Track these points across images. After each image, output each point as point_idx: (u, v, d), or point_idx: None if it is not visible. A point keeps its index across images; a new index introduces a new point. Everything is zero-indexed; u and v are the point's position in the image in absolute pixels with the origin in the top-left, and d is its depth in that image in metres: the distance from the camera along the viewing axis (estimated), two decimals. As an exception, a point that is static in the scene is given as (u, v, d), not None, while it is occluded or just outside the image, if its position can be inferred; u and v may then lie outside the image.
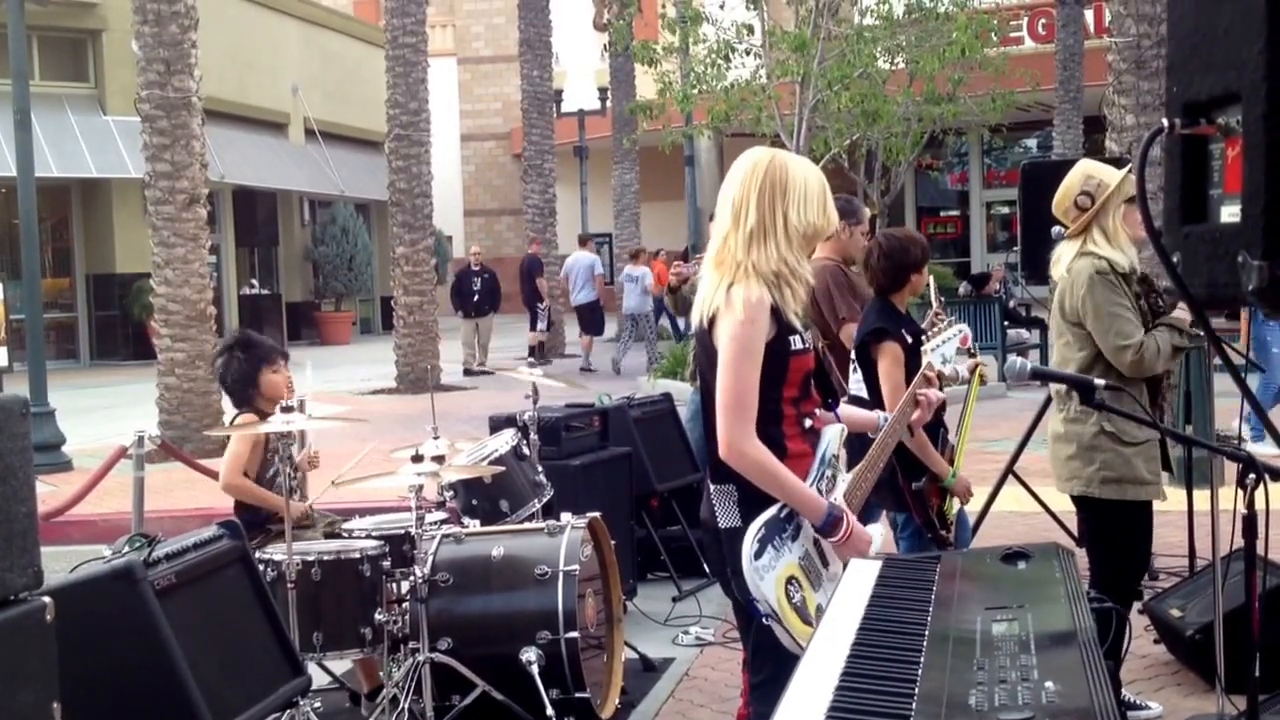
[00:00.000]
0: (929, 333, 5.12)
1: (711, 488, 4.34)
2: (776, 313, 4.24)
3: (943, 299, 6.88)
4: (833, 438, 4.46)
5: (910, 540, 6.82)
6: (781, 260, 4.25)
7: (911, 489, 6.52)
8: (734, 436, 4.17)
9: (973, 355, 7.13)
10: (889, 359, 6.37)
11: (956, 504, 6.73)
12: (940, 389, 5.82)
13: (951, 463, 6.63)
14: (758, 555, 4.09)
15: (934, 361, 4.92)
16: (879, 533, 4.48)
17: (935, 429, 6.64)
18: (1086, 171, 5.93)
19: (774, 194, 4.27)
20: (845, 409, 4.80)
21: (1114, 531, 5.91)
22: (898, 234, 6.82)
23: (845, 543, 4.30)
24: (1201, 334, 5.41)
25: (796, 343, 4.31)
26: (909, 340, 6.47)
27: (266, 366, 7.10)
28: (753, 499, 4.23)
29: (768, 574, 4.09)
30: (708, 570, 8.64)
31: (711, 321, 4.28)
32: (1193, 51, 2.20)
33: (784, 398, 4.30)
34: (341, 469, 7.33)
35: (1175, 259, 2.26)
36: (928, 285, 6.99)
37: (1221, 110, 2.15)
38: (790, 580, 4.16)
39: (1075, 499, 6.11)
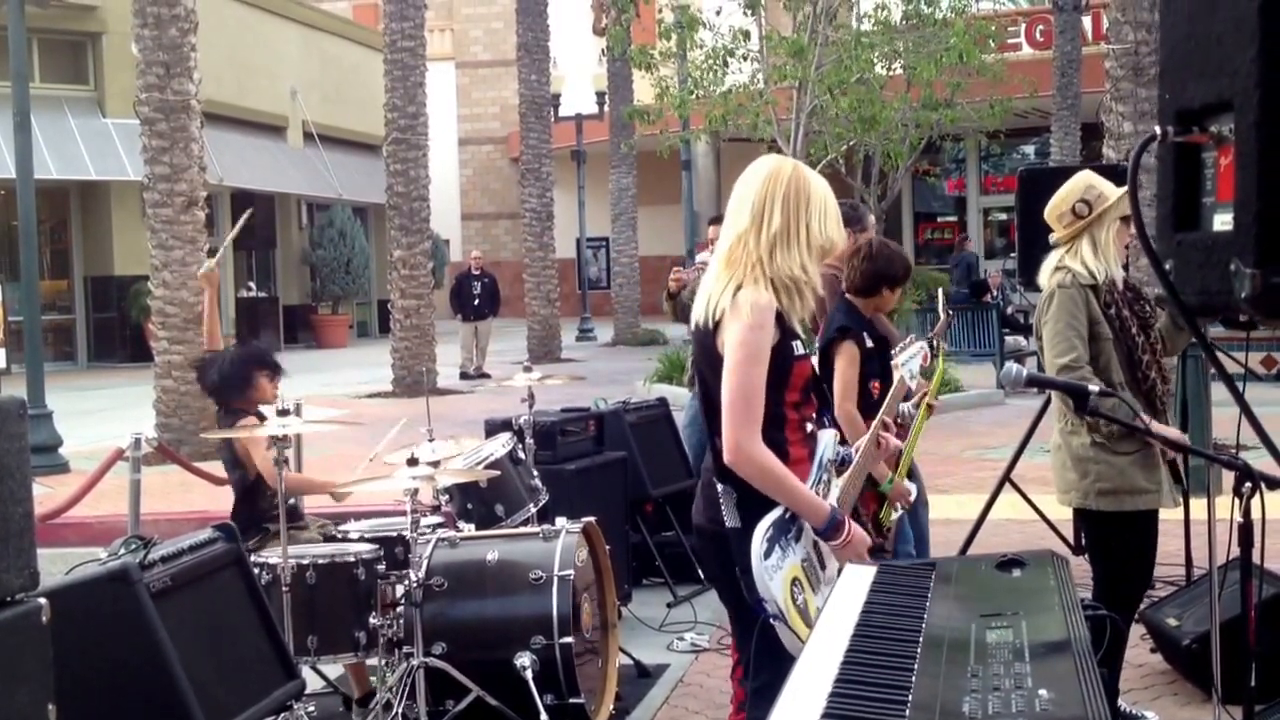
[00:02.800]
0: (898, 347, 5.14)
1: (719, 487, 4.35)
2: (780, 318, 4.27)
3: (950, 311, 6.88)
4: (828, 443, 4.48)
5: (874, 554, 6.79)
6: (803, 268, 4.29)
7: None
8: (740, 440, 4.19)
9: (935, 351, 7.05)
10: (845, 358, 6.41)
11: (895, 513, 6.71)
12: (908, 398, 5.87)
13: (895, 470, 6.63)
14: (767, 555, 4.11)
15: (904, 377, 4.93)
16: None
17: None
18: (1089, 181, 5.93)
19: (799, 202, 4.30)
20: None
21: (1113, 542, 5.90)
22: (889, 245, 6.87)
23: (845, 545, 4.32)
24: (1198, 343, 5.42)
25: (798, 348, 4.36)
26: (869, 344, 6.49)
27: (259, 371, 7.15)
28: (751, 501, 4.25)
29: (776, 574, 4.12)
30: (702, 575, 8.66)
31: (716, 324, 4.29)
32: (1185, 58, 2.20)
33: (786, 402, 4.33)
34: (352, 471, 7.34)
35: (1168, 266, 2.26)
36: (938, 295, 7.00)
37: (1214, 118, 2.15)
38: (794, 582, 4.18)
39: (1075, 509, 6.12)
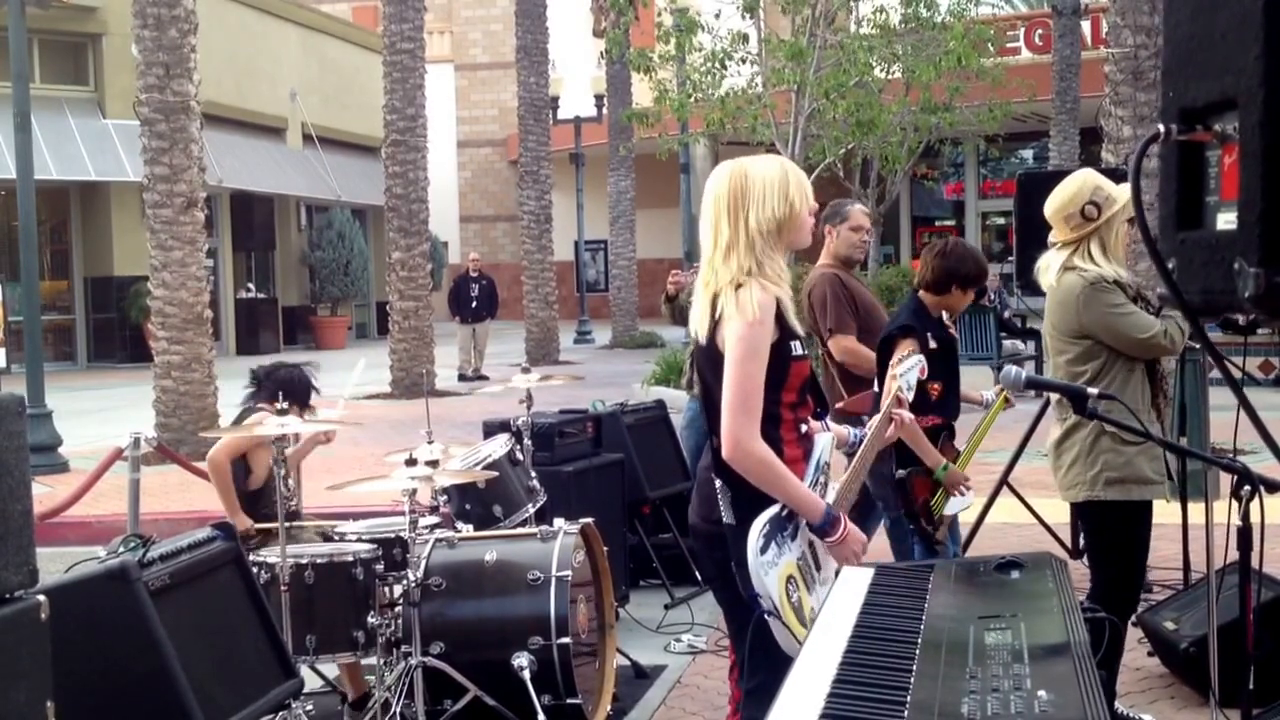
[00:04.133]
0: (897, 358, 5.15)
1: (717, 484, 4.37)
2: (780, 317, 4.28)
3: (955, 320, 6.89)
4: (825, 445, 4.49)
5: (926, 542, 6.82)
6: (751, 270, 4.28)
7: (895, 477, 6.53)
8: (740, 435, 4.20)
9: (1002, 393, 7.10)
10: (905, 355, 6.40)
11: (951, 504, 6.72)
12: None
13: (955, 461, 6.66)
14: (763, 550, 4.13)
15: (901, 387, 4.94)
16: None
17: (939, 429, 6.64)
18: (1095, 182, 5.87)
19: (736, 206, 4.31)
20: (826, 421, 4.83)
21: (1118, 536, 5.89)
22: (964, 245, 6.95)
23: (841, 543, 4.33)
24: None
25: (796, 348, 4.36)
26: (932, 345, 6.50)
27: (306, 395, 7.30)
28: (748, 499, 4.26)
29: (771, 570, 4.14)
30: (698, 576, 8.66)
31: (716, 325, 4.30)
32: (1188, 57, 2.20)
33: (783, 401, 4.34)
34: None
35: (1170, 265, 2.26)
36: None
37: (1218, 116, 2.15)
38: (789, 579, 4.19)
39: (1079, 507, 6.09)
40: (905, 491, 6.59)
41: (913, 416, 5.04)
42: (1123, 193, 5.82)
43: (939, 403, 6.66)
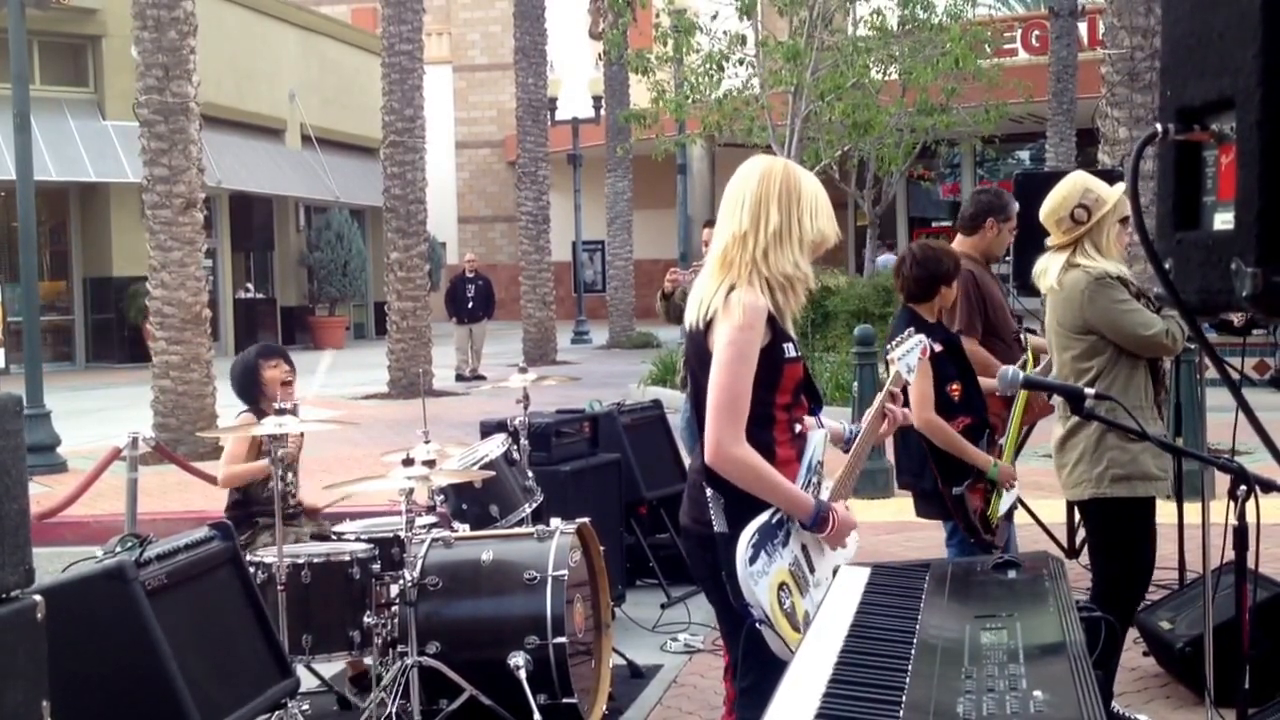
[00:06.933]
0: (895, 341, 5.14)
1: (708, 491, 4.35)
2: (772, 320, 4.26)
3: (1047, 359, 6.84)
4: (818, 443, 4.47)
5: (959, 547, 6.81)
6: (795, 264, 4.30)
7: (952, 494, 6.51)
8: (723, 439, 4.19)
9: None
10: (917, 370, 6.40)
11: (1005, 501, 6.71)
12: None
13: (1001, 458, 6.66)
14: (752, 561, 4.11)
15: (900, 371, 4.92)
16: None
17: (979, 430, 6.63)
18: (1085, 185, 5.91)
19: (791, 200, 4.30)
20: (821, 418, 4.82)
21: (1123, 534, 5.90)
22: (932, 245, 6.91)
23: (835, 532, 4.33)
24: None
25: (790, 350, 4.34)
26: (938, 348, 6.52)
27: (264, 361, 7.23)
28: (739, 507, 4.25)
29: (761, 579, 4.11)
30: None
31: (708, 324, 4.29)
32: (1186, 56, 2.20)
33: (776, 403, 4.33)
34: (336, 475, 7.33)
35: (1167, 265, 2.26)
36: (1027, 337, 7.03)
37: (1215, 116, 2.15)
38: (781, 586, 4.18)
39: (1084, 506, 6.08)
40: (962, 508, 6.58)
41: (906, 410, 5.02)
42: (1113, 194, 5.85)
43: (964, 402, 6.65)
